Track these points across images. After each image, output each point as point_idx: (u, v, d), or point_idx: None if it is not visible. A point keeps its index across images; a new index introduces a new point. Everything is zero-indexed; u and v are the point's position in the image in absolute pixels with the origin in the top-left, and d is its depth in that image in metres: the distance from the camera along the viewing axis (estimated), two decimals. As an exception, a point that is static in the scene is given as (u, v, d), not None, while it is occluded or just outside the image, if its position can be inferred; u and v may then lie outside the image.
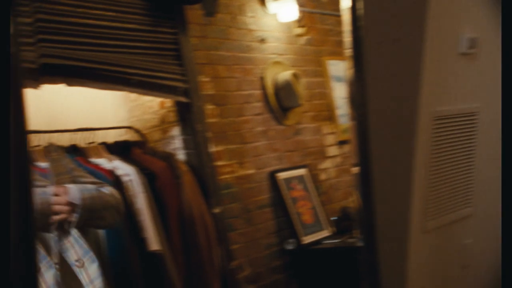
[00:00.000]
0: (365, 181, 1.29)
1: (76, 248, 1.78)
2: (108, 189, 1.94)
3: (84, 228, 1.84)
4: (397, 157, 1.57)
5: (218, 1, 3.46)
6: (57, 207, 1.69)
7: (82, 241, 1.81)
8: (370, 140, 1.26)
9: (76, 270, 1.80)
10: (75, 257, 1.76)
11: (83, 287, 1.81)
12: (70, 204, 1.72)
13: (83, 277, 1.81)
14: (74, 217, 1.72)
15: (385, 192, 1.49)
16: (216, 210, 3.06)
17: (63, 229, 1.74)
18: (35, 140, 2.56)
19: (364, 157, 1.28)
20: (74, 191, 1.75)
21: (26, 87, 2.29)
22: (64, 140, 2.70)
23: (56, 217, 1.70)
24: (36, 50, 2.36)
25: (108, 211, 1.85)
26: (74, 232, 1.83)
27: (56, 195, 1.71)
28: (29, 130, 2.44)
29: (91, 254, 1.81)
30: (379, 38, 1.53)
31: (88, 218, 1.77)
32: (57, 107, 3.07)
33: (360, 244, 1.63)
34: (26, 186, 0.68)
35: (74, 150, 2.70)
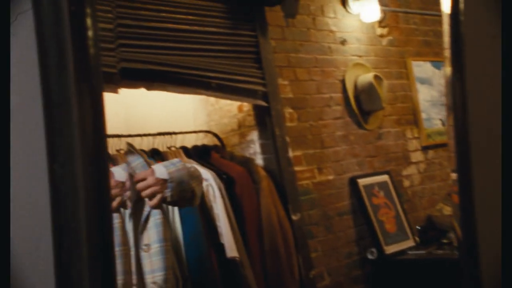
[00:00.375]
0: (465, 188, 1.17)
1: (150, 232, 1.77)
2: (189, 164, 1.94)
3: (179, 204, 1.83)
4: (499, 162, 1.41)
5: (299, 2, 3.39)
6: (149, 190, 1.69)
7: (161, 229, 1.79)
8: (471, 145, 1.13)
9: (142, 254, 1.79)
10: (146, 241, 1.75)
11: (143, 273, 1.79)
12: (159, 181, 1.71)
13: (145, 263, 1.79)
14: (167, 192, 1.72)
15: (486, 200, 1.35)
16: (295, 217, 2.98)
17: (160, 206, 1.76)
18: (117, 145, 2.60)
19: (464, 162, 1.15)
20: (159, 168, 1.74)
21: (106, 91, 2.32)
22: (144, 144, 2.72)
23: (152, 202, 1.70)
24: (117, 55, 2.38)
25: (195, 181, 1.83)
26: (159, 217, 1.82)
27: (144, 179, 1.71)
28: (108, 134, 2.48)
29: (163, 244, 1.78)
30: (478, 34, 1.39)
31: (181, 190, 1.75)
32: (138, 112, 3.11)
33: (455, 256, 1.48)
34: (103, 191, 0.63)
35: (154, 154, 2.72)
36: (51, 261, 0.61)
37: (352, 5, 3.74)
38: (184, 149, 2.85)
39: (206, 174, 2.66)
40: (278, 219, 2.84)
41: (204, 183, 2.61)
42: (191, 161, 2.77)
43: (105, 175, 0.65)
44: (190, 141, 2.96)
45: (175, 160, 1.85)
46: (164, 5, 2.66)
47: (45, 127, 0.60)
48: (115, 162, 2.20)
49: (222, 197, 2.64)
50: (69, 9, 0.61)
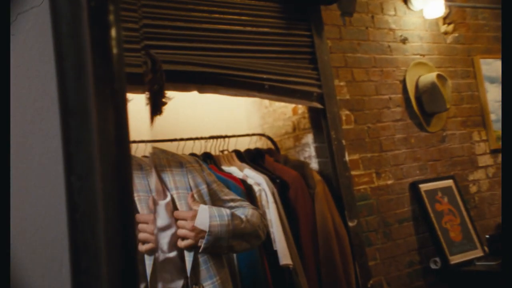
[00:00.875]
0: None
1: (202, 269, 1.63)
2: (246, 213, 1.75)
3: (216, 253, 1.68)
4: None
5: (356, 1, 3.26)
6: (181, 232, 1.58)
7: (210, 264, 1.65)
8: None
9: None
10: (195, 281, 1.61)
11: None
12: (196, 230, 1.58)
13: None
14: (201, 243, 1.59)
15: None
16: (352, 223, 2.85)
17: (194, 252, 1.61)
18: (173, 149, 2.58)
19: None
20: (202, 215, 1.60)
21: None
22: (196, 148, 2.69)
23: (182, 243, 1.59)
24: (168, 57, 2.35)
25: (239, 240, 1.69)
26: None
27: (183, 219, 1.59)
28: (157, 139, 2.42)
29: (217, 279, 1.64)
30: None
31: (216, 246, 1.62)
32: (190, 115, 3.09)
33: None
34: (126, 207, 0.57)
35: (206, 158, 2.68)
36: (67, 284, 0.55)
37: (415, 2, 3.58)
38: (237, 152, 2.79)
39: (259, 178, 2.59)
40: (333, 226, 2.73)
41: (257, 188, 2.54)
42: (244, 164, 2.71)
43: (129, 189, 0.58)
44: (243, 144, 2.90)
45: (227, 212, 1.67)
46: (216, 6, 2.62)
47: (61, 135, 0.54)
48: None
49: (275, 202, 2.56)
50: (88, 5, 0.54)
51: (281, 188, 2.65)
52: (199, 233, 1.59)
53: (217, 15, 2.61)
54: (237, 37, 2.64)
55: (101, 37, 0.58)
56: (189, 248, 1.59)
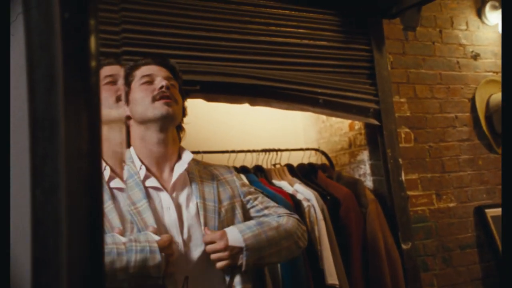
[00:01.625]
0: None
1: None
2: (280, 220, 1.66)
3: (258, 267, 1.62)
4: None
5: (420, 14, 3.14)
6: (215, 255, 1.49)
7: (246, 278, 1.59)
8: None
9: None
10: None
11: None
12: (229, 248, 1.50)
13: None
14: (241, 260, 1.52)
15: None
16: (405, 246, 2.73)
17: (232, 273, 1.56)
18: (224, 161, 2.58)
19: None
20: (233, 233, 1.53)
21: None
22: (247, 161, 2.67)
23: (219, 264, 1.50)
24: (221, 69, 2.36)
25: (276, 247, 1.60)
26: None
27: (211, 242, 1.50)
28: (211, 150, 2.40)
29: None
30: None
31: (259, 257, 1.55)
32: (244, 127, 3.08)
33: None
34: (93, 226, 0.55)
35: (257, 171, 2.65)
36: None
37: (490, 16, 3.41)
38: (289, 167, 2.75)
39: (309, 194, 2.53)
40: (385, 247, 2.62)
41: (306, 203, 2.49)
42: (295, 179, 2.66)
43: (97, 205, 0.56)
44: (297, 158, 2.85)
45: (252, 222, 1.60)
46: (273, 18, 2.60)
47: (29, 147, 0.53)
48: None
49: (324, 219, 2.49)
50: (61, 17, 0.54)
51: (332, 205, 2.58)
52: (233, 250, 1.51)
53: (273, 28, 2.60)
54: (293, 50, 2.61)
55: (74, 49, 0.58)
56: (228, 269, 1.53)
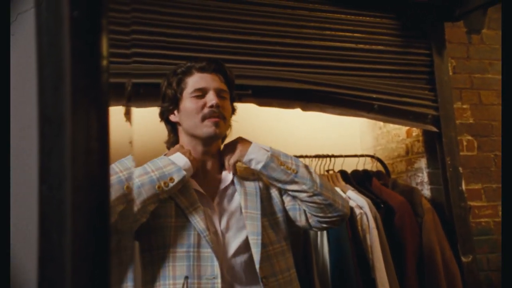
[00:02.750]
0: None
1: (264, 264, 1.57)
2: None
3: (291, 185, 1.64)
4: None
5: (489, 16, 2.99)
6: (230, 157, 1.68)
7: (273, 261, 1.60)
8: None
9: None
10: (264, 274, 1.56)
11: None
12: (244, 144, 1.70)
13: None
14: (261, 158, 1.64)
15: None
16: (466, 259, 2.60)
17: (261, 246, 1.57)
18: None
19: None
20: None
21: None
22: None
23: (228, 161, 1.69)
24: (273, 73, 2.35)
25: (305, 177, 1.64)
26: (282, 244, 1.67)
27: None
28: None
29: (279, 278, 1.59)
30: None
31: (283, 161, 1.64)
32: (297, 131, 3.05)
33: None
34: (98, 223, 0.56)
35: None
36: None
37: None
38: (343, 173, 2.69)
39: (362, 201, 2.47)
40: (442, 259, 2.51)
41: (358, 211, 2.43)
42: (348, 186, 2.60)
43: (103, 202, 0.57)
44: (351, 165, 2.79)
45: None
46: (328, 23, 2.57)
47: (38, 143, 0.54)
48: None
49: (377, 227, 2.42)
50: (70, 15, 0.55)
51: (386, 213, 2.50)
52: (245, 146, 1.66)
53: (328, 32, 2.56)
54: (347, 54, 2.57)
55: (82, 47, 0.58)
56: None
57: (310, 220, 1.69)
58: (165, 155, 1.61)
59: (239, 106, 2.39)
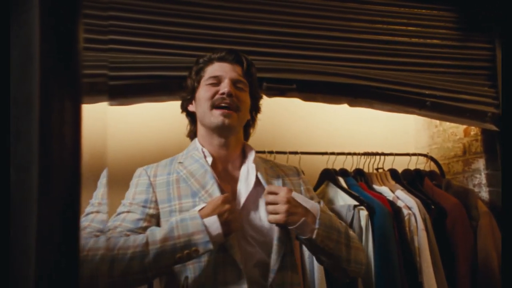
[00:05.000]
0: None
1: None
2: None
3: (320, 252, 1.48)
4: None
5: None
6: (273, 207, 1.43)
7: (286, 272, 1.46)
8: None
9: None
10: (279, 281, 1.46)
11: None
12: (295, 205, 1.42)
13: None
14: (312, 226, 1.41)
15: None
16: (525, 268, 2.42)
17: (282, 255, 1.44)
18: (323, 162, 2.51)
19: None
20: (303, 198, 1.48)
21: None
22: (347, 163, 2.56)
23: (272, 217, 1.42)
24: (319, 67, 2.29)
25: (348, 239, 1.50)
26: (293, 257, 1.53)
27: (275, 193, 1.44)
28: (306, 151, 2.34)
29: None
30: None
31: (327, 236, 1.42)
32: (346, 128, 2.97)
33: None
34: (68, 210, 0.55)
35: (357, 175, 2.54)
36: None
37: None
38: (393, 172, 2.59)
39: (411, 201, 2.36)
40: (499, 267, 2.35)
41: (406, 211, 2.32)
42: (397, 185, 2.50)
43: (73, 187, 0.55)
44: (403, 164, 2.68)
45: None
46: (380, 15, 2.48)
47: (10, 126, 0.54)
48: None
49: (426, 229, 2.30)
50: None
51: (437, 215, 2.38)
52: (294, 208, 1.40)
53: (379, 25, 2.47)
54: (400, 49, 2.46)
55: (53, 28, 0.57)
56: (283, 236, 1.44)
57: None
58: (201, 210, 1.37)
59: (283, 100, 2.36)
